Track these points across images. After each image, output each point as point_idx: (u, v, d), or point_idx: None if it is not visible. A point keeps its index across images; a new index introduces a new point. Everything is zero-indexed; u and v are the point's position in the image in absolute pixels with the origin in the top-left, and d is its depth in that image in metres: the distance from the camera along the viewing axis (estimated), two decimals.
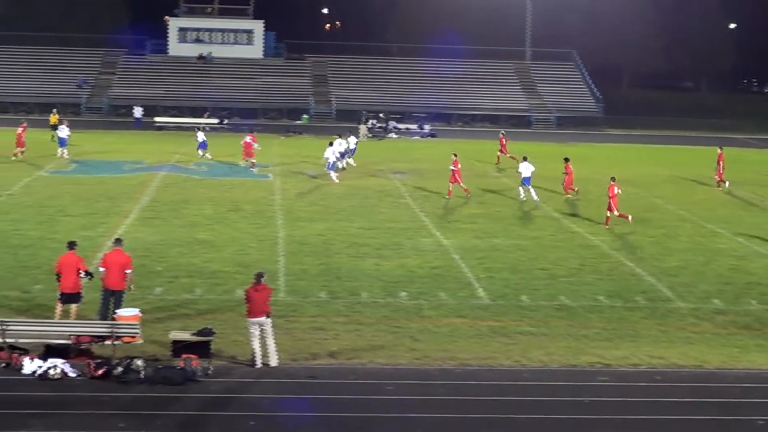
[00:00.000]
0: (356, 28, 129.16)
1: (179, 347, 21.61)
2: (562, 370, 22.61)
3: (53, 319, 23.83)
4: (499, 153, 59.30)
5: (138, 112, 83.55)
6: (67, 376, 20.87)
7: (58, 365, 20.97)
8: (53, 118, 67.35)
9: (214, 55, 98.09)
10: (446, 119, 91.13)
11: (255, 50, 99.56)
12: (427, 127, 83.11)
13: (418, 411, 19.80)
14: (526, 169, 45.88)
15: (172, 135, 72.06)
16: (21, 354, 21.54)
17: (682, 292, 29.94)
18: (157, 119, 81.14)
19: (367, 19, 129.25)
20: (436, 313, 26.98)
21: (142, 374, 20.78)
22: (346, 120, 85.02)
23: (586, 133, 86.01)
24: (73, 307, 24.01)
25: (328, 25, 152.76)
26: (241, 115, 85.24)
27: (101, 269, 24.45)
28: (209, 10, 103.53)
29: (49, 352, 21.60)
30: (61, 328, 22.22)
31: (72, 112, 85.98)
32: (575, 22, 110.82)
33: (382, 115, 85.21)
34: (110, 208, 40.51)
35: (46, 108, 75.97)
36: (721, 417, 20.13)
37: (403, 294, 28.68)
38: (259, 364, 21.93)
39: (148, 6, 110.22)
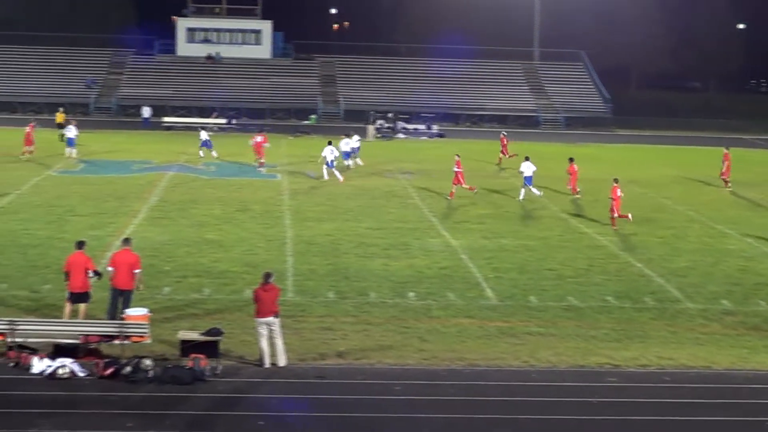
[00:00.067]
0: (364, 28, 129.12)
1: (188, 347, 21.63)
2: (570, 370, 22.59)
3: (62, 318, 23.86)
4: (501, 155, 59.22)
5: (146, 112, 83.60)
6: (75, 375, 20.90)
7: (67, 365, 21.00)
8: (60, 116, 67.47)
9: (223, 55, 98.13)
10: (454, 119, 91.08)
11: (263, 50, 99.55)
12: (435, 128, 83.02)
13: (426, 411, 19.80)
14: (527, 169, 45.88)
15: (181, 135, 72.04)
16: (30, 353, 21.58)
17: (691, 292, 29.89)
18: (166, 119, 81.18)
19: (375, 19, 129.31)
20: (444, 313, 26.97)
21: (150, 374, 20.80)
22: (354, 120, 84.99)
23: (595, 134, 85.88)
24: (82, 306, 24.04)
25: (336, 26, 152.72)
26: (249, 116, 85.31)
27: (110, 269, 24.50)
28: (217, 10, 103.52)
29: (57, 351, 21.64)
30: (69, 328, 22.26)
31: (81, 112, 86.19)
32: (583, 22, 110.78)
33: (390, 115, 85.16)
34: (119, 208, 40.56)
35: (54, 108, 75.97)
36: (730, 418, 20.09)
37: (411, 294, 28.68)
38: (267, 363, 21.94)
39: (156, 6, 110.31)
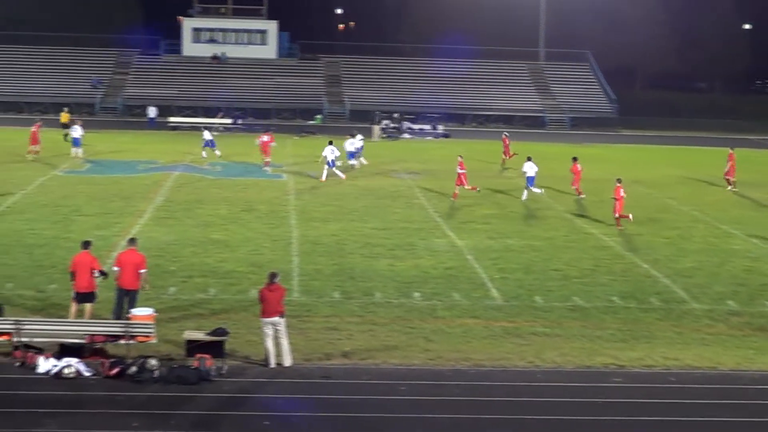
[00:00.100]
0: (370, 28, 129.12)
1: (193, 347, 21.64)
2: (576, 371, 22.58)
3: (68, 318, 23.89)
4: (503, 156, 59.19)
5: (152, 112, 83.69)
6: (81, 375, 20.92)
7: (73, 364, 21.03)
8: (64, 116, 67.55)
9: (228, 55, 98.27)
10: (460, 120, 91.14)
11: (269, 50, 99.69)
12: (440, 128, 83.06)
13: (431, 411, 19.80)
14: (530, 169, 45.90)
15: (186, 135, 72.08)
16: (36, 353, 21.60)
17: (697, 293, 29.86)
18: (171, 119, 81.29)
19: (380, 19, 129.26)
20: (449, 313, 26.96)
21: (156, 374, 20.82)
22: (359, 120, 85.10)
23: (600, 134, 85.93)
24: (88, 306, 24.07)
25: (341, 26, 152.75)
26: (255, 116, 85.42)
27: (115, 269, 24.53)
28: (223, 10, 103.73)
29: (63, 351, 21.65)
30: (75, 328, 22.28)
31: (86, 112, 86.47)
32: (589, 22, 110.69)
33: (396, 115, 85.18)
34: (124, 208, 40.60)
35: (60, 108, 76.15)
36: (735, 419, 20.07)
37: (416, 294, 28.68)
38: (272, 364, 21.95)
39: (162, 6, 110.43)
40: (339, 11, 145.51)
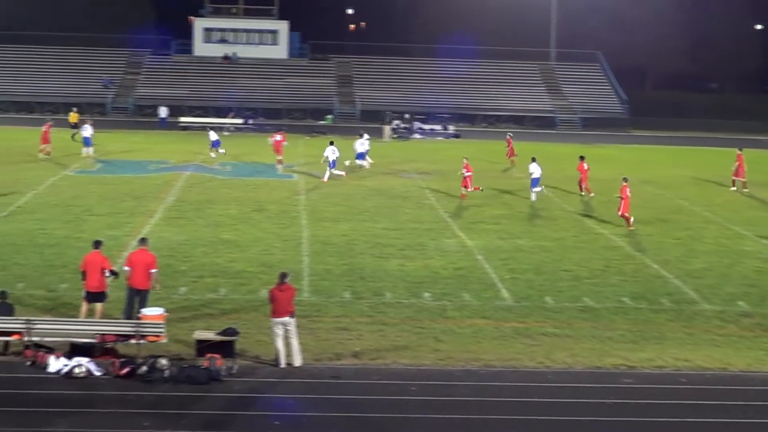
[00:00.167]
0: (380, 29, 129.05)
1: (203, 347, 21.66)
2: (586, 371, 22.55)
3: (78, 317, 23.94)
4: (509, 156, 59.19)
5: (163, 112, 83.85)
6: (91, 374, 20.96)
7: (83, 364, 21.07)
8: (73, 116, 67.69)
9: (239, 55, 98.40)
10: (470, 120, 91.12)
11: (280, 50, 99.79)
12: (451, 128, 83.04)
13: (441, 412, 19.79)
14: (536, 170, 45.85)
15: (197, 135, 72.13)
16: (46, 352, 21.65)
17: (708, 294, 29.80)
18: (182, 119, 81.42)
19: (391, 20, 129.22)
20: (459, 314, 26.95)
21: (166, 373, 20.84)
22: (370, 120, 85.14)
23: (611, 135, 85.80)
24: (99, 306, 24.11)
25: (352, 26, 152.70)
26: (265, 116, 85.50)
27: (126, 268, 24.56)
28: (234, 10, 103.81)
29: (74, 350, 21.70)
30: (86, 327, 22.32)
31: (98, 112, 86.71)
32: (600, 23, 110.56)
33: (407, 115, 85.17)
34: (135, 208, 40.67)
35: (71, 108, 76.27)
36: (746, 420, 20.02)
37: (426, 295, 28.67)
38: (283, 363, 21.96)
39: (173, 6, 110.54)
40: (350, 11, 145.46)
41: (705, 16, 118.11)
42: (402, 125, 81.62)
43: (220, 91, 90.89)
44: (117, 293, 25.08)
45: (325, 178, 49.56)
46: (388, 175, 52.98)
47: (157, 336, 22.05)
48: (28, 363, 21.55)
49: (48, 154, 55.07)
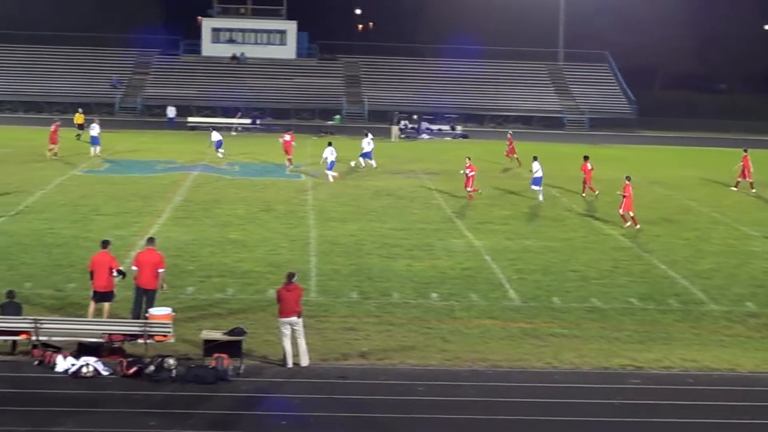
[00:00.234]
0: (389, 29, 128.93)
1: (211, 346, 21.67)
2: (593, 372, 22.53)
3: (86, 317, 23.97)
4: (514, 155, 59.16)
5: (171, 112, 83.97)
6: (99, 374, 20.98)
7: (91, 363, 21.09)
8: (79, 117, 67.78)
9: (247, 55, 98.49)
10: (478, 120, 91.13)
11: (288, 51, 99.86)
12: (459, 128, 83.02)
13: (448, 412, 19.78)
14: (538, 169, 45.83)
15: (205, 135, 71.99)
16: (54, 352, 21.67)
17: (715, 294, 29.75)
18: (190, 119, 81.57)
19: (399, 20, 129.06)
20: (467, 314, 26.94)
21: (173, 373, 20.86)
22: (378, 121, 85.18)
23: (619, 135, 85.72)
24: (106, 305, 24.14)
25: (360, 26, 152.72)
26: (273, 116, 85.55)
27: (134, 268, 24.58)
28: (242, 10, 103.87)
29: (81, 350, 21.73)
30: (93, 327, 22.36)
31: (106, 111, 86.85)
32: (608, 23, 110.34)
33: (415, 116, 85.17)
34: (143, 208, 40.71)
35: (80, 107, 76.32)
36: (753, 421, 19.98)
37: (434, 295, 28.66)
38: (290, 363, 21.96)
39: (181, 6, 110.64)
40: (358, 11, 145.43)
41: (714, 16, 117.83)
42: (410, 125, 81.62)
43: (228, 91, 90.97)
44: (124, 293, 25.10)
45: (330, 179, 49.57)
46: (395, 176, 52.97)
47: (165, 336, 22.08)
48: (36, 362, 21.58)
49: (56, 154, 55.12)
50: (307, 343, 22.29)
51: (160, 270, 24.41)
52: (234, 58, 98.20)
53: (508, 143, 60.72)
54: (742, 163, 51.88)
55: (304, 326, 22.41)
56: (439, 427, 19.22)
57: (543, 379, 21.94)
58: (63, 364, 21.20)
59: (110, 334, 21.95)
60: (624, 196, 39.45)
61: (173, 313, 23.20)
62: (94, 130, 57.81)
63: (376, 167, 54.82)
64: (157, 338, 22.01)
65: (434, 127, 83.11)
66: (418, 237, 36.61)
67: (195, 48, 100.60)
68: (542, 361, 23.02)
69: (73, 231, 35.54)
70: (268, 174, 52.42)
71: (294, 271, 23.31)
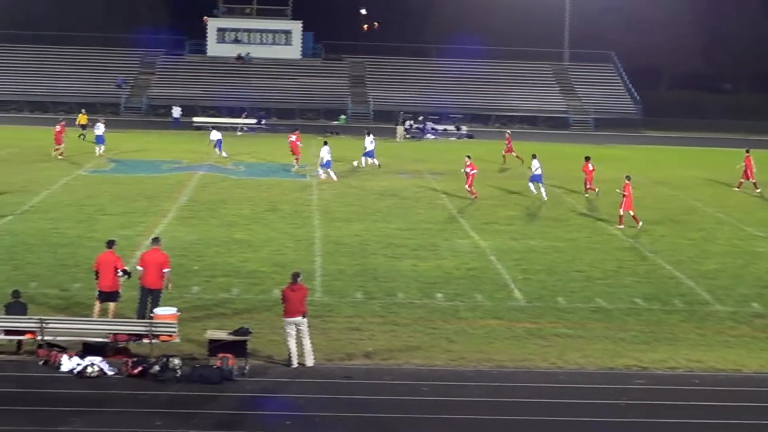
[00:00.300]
0: (394, 29, 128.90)
1: (216, 346, 21.68)
2: (598, 372, 22.52)
3: (91, 317, 23.99)
4: (514, 154, 59.16)
5: (176, 112, 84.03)
6: (104, 374, 21.01)
7: (96, 363, 21.11)
8: (82, 118, 67.83)
9: (253, 55, 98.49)
10: (483, 120, 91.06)
11: (293, 51, 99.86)
12: (464, 129, 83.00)
13: (453, 412, 19.78)
14: (537, 166, 45.83)
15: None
16: (59, 352, 21.71)
17: (721, 295, 29.73)
18: (196, 119, 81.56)
19: (404, 20, 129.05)
20: (472, 314, 26.94)
21: (178, 373, 20.88)
22: (383, 121, 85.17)
23: (624, 135, 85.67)
24: (111, 305, 24.16)
25: (366, 26, 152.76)
26: (279, 116, 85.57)
27: (139, 268, 24.60)
28: (248, 10, 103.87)
29: (87, 350, 21.75)
30: (98, 327, 22.38)
31: (111, 111, 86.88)
32: (613, 23, 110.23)
33: (421, 117, 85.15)
34: (148, 208, 40.75)
35: (85, 107, 76.39)
36: (759, 422, 19.97)
37: (439, 295, 28.66)
38: (295, 363, 21.97)
39: (187, 7, 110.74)
40: (363, 12, 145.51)
41: (719, 16, 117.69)
42: (415, 125, 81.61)
43: (233, 91, 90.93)
44: (130, 293, 25.13)
45: (335, 177, 49.60)
46: (400, 176, 52.99)
47: (170, 335, 22.10)
48: (41, 362, 21.61)
49: (61, 154, 55.16)
50: (312, 343, 22.30)
51: (166, 270, 24.43)
52: (239, 58, 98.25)
53: (506, 142, 60.73)
54: (744, 164, 51.84)
55: (309, 326, 22.42)
56: (444, 427, 19.22)
57: (548, 379, 21.94)
58: (68, 363, 21.23)
59: (115, 333, 21.97)
60: (624, 195, 39.44)
61: (178, 313, 23.24)
62: (99, 129, 57.89)
63: (379, 166, 54.82)
64: (162, 338, 22.03)
65: (439, 127, 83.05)
66: (423, 237, 36.61)
67: (200, 48, 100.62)
68: (547, 362, 23.01)
69: (79, 231, 35.58)
70: (273, 174, 52.45)
71: (299, 271, 23.34)
